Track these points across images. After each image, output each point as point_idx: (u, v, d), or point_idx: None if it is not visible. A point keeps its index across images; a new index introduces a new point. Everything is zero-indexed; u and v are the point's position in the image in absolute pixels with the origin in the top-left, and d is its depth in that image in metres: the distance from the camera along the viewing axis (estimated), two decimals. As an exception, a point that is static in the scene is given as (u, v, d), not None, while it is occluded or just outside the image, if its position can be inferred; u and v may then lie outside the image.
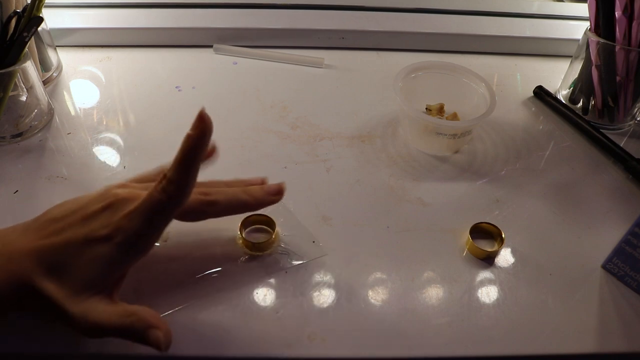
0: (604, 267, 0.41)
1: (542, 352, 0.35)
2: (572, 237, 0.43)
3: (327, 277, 0.38)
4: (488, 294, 0.38)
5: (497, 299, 0.38)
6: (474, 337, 0.35)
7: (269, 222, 0.41)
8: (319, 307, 0.36)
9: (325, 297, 0.37)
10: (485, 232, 0.42)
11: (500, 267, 0.40)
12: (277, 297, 0.37)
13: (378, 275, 0.39)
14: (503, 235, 0.41)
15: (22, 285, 0.29)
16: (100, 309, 0.30)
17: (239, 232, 0.40)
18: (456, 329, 0.36)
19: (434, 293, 0.38)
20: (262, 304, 0.36)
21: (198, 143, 0.31)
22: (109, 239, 0.30)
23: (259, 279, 0.38)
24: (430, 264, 0.40)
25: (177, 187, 0.31)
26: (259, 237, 0.41)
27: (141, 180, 0.36)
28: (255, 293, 0.37)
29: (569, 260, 0.41)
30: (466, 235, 0.41)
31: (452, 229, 0.43)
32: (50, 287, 0.29)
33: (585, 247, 0.42)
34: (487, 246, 0.41)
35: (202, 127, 0.31)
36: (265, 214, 0.40)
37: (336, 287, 0.38)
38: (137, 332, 0.30)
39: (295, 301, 0.37)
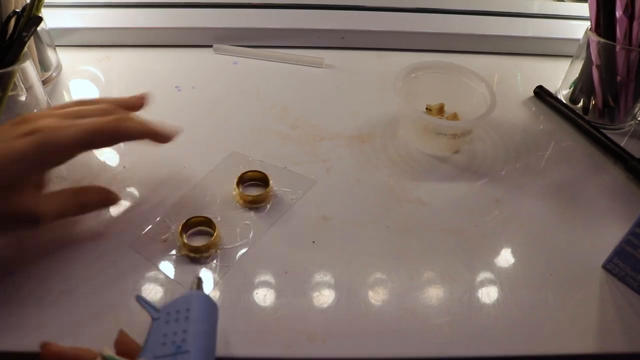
0: (604, 267, 0.40)
1: (542, 352, 0.35)
2: (572, 237, 0.43)
3: (327, 277, 0.38)
4: (488, 294, 0.38)
5: (497, 299, 0.38)
6: (474, 337, 0.35)
7: (263, 179, 0.44)
8: (319, 307, 0.36)
9: (325, 297, 0.37)
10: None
11: (500, 267, 0.40)
12: (277, 297, 0.37)
13: (378, 275, 0.39)
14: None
15: None
16: (49, 198, 0.36)
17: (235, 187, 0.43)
18: (456, 329, 0.36)
19: (434, 293, 0.38)
20: (262, 304, 0.36)
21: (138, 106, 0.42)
22: (31, 134, 0.33)
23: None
24: (430, 264, 0.40)
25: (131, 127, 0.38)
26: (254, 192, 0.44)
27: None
28: (255, 293, 0.37)
29: (569, 260, 0.41)
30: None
31: (452, 229, 0.43)
32: None
33: (585, 247, 0.42)
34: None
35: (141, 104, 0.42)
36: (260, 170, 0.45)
37: (336, 287, 0.38)
38: (94, 203, 0.39)
39: (295, 301, 0.36)
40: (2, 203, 0.33)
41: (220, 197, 0.44)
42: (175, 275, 0.38)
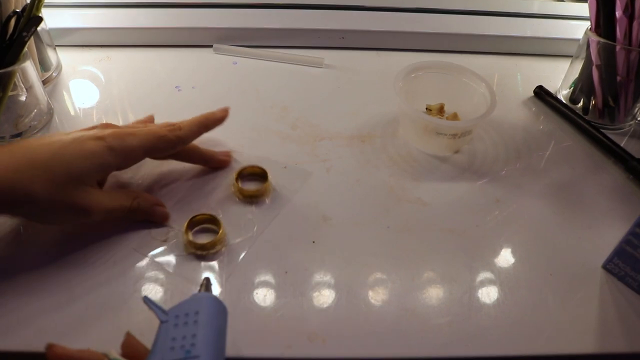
0: (604, 267, 0.40)
1: (542, 352, 0.35)
2: (572, 237, 0.43)
3: (327, 277, 0.38)
4: (488, 294, 0.38)
5: (497, 299, 0.38)
6: (474, 337, 0.35)
7: (262, 174, 0.45)
8: (319, 307, 0.36)
9: (325, 297, 0.37)
10: (253, 175, 0.46)
11: (500, 267, 0.40)
12: (277, 297, 0.37)
13: (378, 275, 0.39)
14: (269, 176, 0.45)
15: (22, 195, 0.34)
16: (105, 196, 0.38)
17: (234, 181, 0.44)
18: (456, 329, 0.36)
19: (434, 293, 0.38)
20: (262, 304, 0.36)
21: (213, 123, 0.45)
22: (101, 139, 0.37)
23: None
24: (430, 264, 0.40)
25: (184, 135, 0.42)
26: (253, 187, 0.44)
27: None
28: (255, 293, 0.37)
29: (569, 260, 0.41)
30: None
31: (452, 229, 0.43)
32: (45, 189, 0.34)
33: (586, 247, 0.42)
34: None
35: (223, 117, 0.46)
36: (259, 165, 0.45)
37: (336, 287, 0.38)
38: (144, 210, 0.40)
39: (295, 301, 0.36)
40: (66, 194, 0.35)
41: (221, 193, 0.44)
42: (179, 273, 0.38)
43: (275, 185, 0.45)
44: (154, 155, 0.42)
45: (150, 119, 0.49)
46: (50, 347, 0.29)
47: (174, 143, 0.41)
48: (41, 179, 0.34)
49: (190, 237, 0.39)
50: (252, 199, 0.44)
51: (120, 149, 0.38)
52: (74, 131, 0.39)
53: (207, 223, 0.41)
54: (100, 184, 0.42)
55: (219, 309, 0.31)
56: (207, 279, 0.34)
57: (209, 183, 0.45)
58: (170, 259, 0.39)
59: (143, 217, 0.41)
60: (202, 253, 0.39)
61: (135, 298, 0.36)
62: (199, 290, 0.33)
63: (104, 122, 0.43)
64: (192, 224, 0.40)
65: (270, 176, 0.45)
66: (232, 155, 0.48)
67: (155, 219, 0.41)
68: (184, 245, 0.39)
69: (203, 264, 0.39)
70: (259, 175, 0.46)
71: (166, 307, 0.30)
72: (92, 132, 0.38)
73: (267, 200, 0.44)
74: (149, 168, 0.46)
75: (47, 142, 0.36)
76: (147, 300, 0.31)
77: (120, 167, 0.40)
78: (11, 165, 0.34)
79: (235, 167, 0.46)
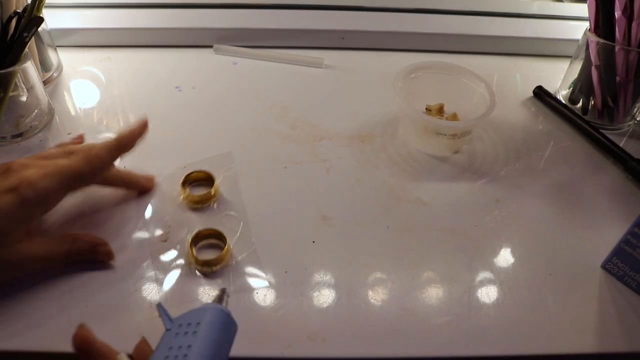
0: (603, 267, 0.41)
1: (542, 352, 0.35)
2: (571, 237, 0.43)
3: (327, 277, 0.38)
4: (488, 293, 0.38)
5: (497, 299, 0.38)
6: (474, 337, 0.35)
7: (208, 178, 0.44)
8: (319, 307, 0.36)
9: (325, 297, 0.37)
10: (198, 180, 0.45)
11: (500, 267, 0.40)
12: (277, 297, 0.37)
13: (378, 275, 0.39)
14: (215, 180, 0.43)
15: None
16: (37, 246, 0.35)
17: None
18: (456, 329, 0.36)
19: (434, 293, 0.38)
20: (262, 304, 0.36)
21: (132, 140, 0.39)
22: (12, 191, 0.33)
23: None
24: (430, 264, 0.40)
25: (102, 162, 0.38)
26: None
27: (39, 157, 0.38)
28: (255, 293, 0.37)
29: (569, 260, 0.41)
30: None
31: (452, 229, 0.43)
32: None
33: (585, 247, 0.42)
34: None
35: (142, 131, 0.40)
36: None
37: (336, 287, 0.38)
38: (85, 252, 0.37)
39: (295, 301, 0.37)
40: None
41: (169, 205, 0.43)
42: (173, 284, 0.38)
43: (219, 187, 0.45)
44: (75, 189, 0.38)
45: (79, 140, 0.44)
46: (81, 326, 0.29)
47: (93, 173, 0.38)
48: None
49: (195, 252, 0.38)
50: (198, 204, 0.43)
51: (36, 197, 0.34)
52: None
53: (212, 238, 0.40)
54: (28, 231, 0.36)
55: (223, 321, 0.29)
56: (223, 290, 0.32)
57: (141, 202, 0.43)
58: (169, 263, 0.38)
59: (86, 258, 0.38)
60: (207, 270, 0.38)
61: (136, 298, 0.36)
62: (213, 301, 0.31)
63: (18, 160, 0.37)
64: (197, 239, 0.40)
65: (216, 180, 0.44)
66: (154, 179, 0.45)
67: (99, 259, 0.38)
68: (189, 262, 0.38)
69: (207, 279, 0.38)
70: (203, 180, 0.45)
71: (173, 312, 0.30)
72: (6, 182, 0.34)
73: (215, 205, 0.43)
74: (146, 169, 0.45)
75: None
76: (159, 307, 0.30)
77: (42, 214, 0.37)
78: None
79: (179, 174, 0.44)
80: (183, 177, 0.44)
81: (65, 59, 0.61)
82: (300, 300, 0.37)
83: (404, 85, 0.51)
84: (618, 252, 0.39)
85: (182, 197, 0.43)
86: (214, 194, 0.43)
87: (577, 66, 0.56)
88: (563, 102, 0.59)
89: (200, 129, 0.52)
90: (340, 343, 0.34)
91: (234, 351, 0.33)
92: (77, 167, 0.36)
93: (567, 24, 0.70)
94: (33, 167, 0.35)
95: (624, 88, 0.53)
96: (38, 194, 0.34)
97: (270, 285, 0.38)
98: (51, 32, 0.58)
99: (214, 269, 0.38)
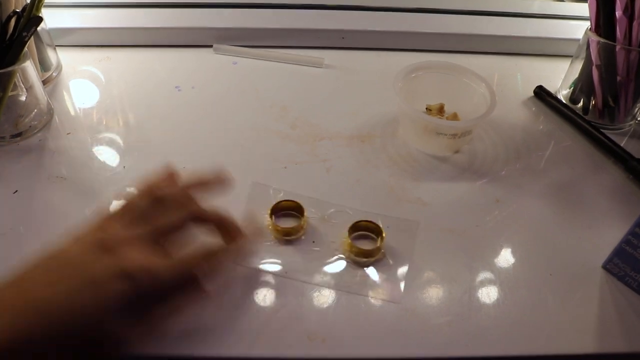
0: (604, 267, 0.40)
1: (542, 352, 0.35)
2: (572, 237, 0.43)
3: (327, 277, 0.38)
4: (488, 294, 0.38)
5: (497, 299, 0.38)
6: (474, 337, 0.35)
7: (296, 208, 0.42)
8: (319, 307, 0.36)
9: (325, 297, 0.37)
10: (365, 229, 0.42)
11: (500, 267, 0.40)
12: (277, 297, 0.37)
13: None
14: (383, 234, 0.40)
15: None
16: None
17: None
18: (456, 329, 0.36)
19: (434, 293, 0.38)
20: (262, 304, 0.36)
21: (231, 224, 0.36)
22: (127, 278, 0.28)
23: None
24: (430, 264, 0.40)
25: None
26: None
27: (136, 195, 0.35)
28: (255, 293, 0.37)
29: (569, 260, 0.41)
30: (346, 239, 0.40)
31: (452, 229, 0.43)
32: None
33: (585, 247, 0.42)
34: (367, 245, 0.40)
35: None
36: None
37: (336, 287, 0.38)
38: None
39: (295, 301, 0.37)
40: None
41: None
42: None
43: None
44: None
45: (172, 174, 0.38)
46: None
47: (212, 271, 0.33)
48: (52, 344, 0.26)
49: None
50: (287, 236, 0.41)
51: (152, 293, 0.29)
52: (75, 242, 0.30)
53: (367, 230, 0.41)
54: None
55: None
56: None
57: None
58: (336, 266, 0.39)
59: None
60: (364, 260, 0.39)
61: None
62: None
63: (104, 216, 0.33)
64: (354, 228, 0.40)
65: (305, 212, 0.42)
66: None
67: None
68: (344, 250, 0.40)
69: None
70: (292, 209, 0.43)
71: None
72: (108, 264, 0.28)
73: (303, 237, 0.41)
74: (146, 170, 0.44)
75: (52, 289, 0.27)
76: None
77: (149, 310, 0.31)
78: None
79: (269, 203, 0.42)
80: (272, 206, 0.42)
81: (64, 58, 0.61)
82: (300, 300, 0.37)
83: (404, 85, 0.51)
84: (619, 252, 0.39)
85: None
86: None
87: (578, 66, 0.56)
88: (564, 101, 0.59)
89: (200, 129, 0.52)
90: (340, 343, 0.34)
91: (235, 351, 0.33)
92: (195, 269, 0.32)
93: (568, 24, 0.70)
94: (132, 242, 0.30)
95: (624, 88, 0.53)
96: (155, 287, 0.29)
97: (270, 284, 0.37)
98: (50, 32, 0.58)
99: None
